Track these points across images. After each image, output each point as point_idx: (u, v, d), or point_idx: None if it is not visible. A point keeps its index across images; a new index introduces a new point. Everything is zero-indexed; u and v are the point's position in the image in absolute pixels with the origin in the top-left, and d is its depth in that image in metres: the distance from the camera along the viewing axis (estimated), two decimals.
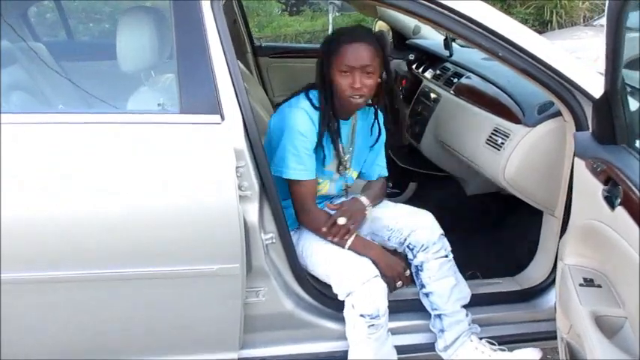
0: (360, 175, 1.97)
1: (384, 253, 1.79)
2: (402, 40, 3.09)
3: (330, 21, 8.98)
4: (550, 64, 1.65)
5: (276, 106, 1.85)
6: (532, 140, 1.81)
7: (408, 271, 1.81)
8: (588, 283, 1.45)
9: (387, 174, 2.01)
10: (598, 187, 1.37)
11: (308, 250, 1.79)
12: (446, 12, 1.62)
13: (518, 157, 1.83)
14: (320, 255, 1.76)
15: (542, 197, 1.87)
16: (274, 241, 1.67)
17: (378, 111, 1.88)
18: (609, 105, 1.39)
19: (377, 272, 1.69)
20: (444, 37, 2.64)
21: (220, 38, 1.54)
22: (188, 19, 1.52)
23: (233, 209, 1.51)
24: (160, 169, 1.48)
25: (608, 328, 1.33)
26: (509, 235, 2.39)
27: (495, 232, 2.45)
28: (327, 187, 1.86)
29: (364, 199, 1.81)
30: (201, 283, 1.58)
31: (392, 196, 2.74)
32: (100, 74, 1.72)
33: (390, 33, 3.15)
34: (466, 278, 1.89)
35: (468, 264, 1.96)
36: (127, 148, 1.48)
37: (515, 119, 1.91)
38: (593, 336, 1.27)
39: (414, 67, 2.86)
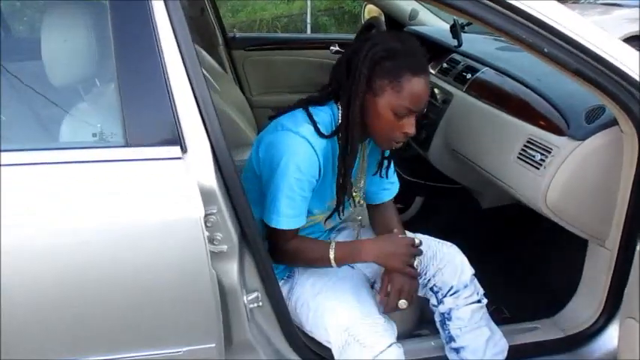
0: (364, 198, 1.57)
1: (376, 244, 1.37)
2: (397, 27, 2.68)
3: (308, 3, 8.51)
4: (612, 63, 1.28)
5: (268, 118, 1.38)
6: (581, 157, 1.44)
7: (416, 241, 1.38)
8: None
9: (397, 190, 1.62)
10: None
11: (303, 306, 1.40)
12: None
13: (564, 178, 1.46)
14: (318, 313, 1.37)
15: (591, 226, 1.51)
16: (260, 303, 1.28)
17: None
18: None
19: (393, 338, 1.31)
20: (450, 24, 2.23)
21: (178, 42, 1.12)
22: (131, 18, 1.10)
23: (203, 273, 1.12)
24: (98, 225, 1.07)
25: None
26: (537, 259, 2.04)
27: (520, 255, 2.09)
28: (321, 218, 1.47)
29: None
30: None
31: (399, 212, 2.36)
32: (21, 88, 1.28)
33: (383, 18, 2.74)
34: (490, 315, 1.53)
35: (490, 296, 1.58)
36: (50, 199, 1.06)
37: (555, 129, 1.53)
38: None
39: None
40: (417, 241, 1.38)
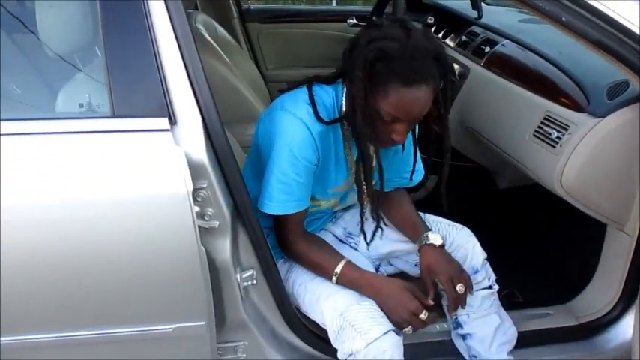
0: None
1: (383, 287, 1.27)
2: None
3: None
4: (634, 32, 1.18)
5: (278, 91, 1.31)
6: (601, 135, 1.34)
7: (424, 315, 1.25)
8: None
9: (421, 177, 1.51)
10: None
11: (300, 287, 1.35)
12: None
13: (581, 157, 1.37)
14: (315, 296, 1.31)
15: (610, 210, 1.42)
16: (255, 281, 1.25)
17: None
18: None
19: (390, 325, 1.24)
20: None
21: (168, 8, 1.07)
22: None
23: (191, 249, 1.08)
24: (83, 199, 1.04)
25: None
26: (553, 242, 1.95)
27: (536, 238, 2.00)
28: (328, 204, 1.41)
29: (432, 238, 1.33)
30: (153, 348, 1.16)
31: (409, 192, 2.29)
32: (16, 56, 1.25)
33: None
34: (502, 299, 1.46)
35: (503, 279, 1.51)
36: (34, 171, 1.03)
37: (574, 106, 1.43)
38: None
39: (432, 31, 2.35)
40: (430, 296, 1.29)
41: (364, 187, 1.27)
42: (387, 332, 1.21)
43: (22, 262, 1.04)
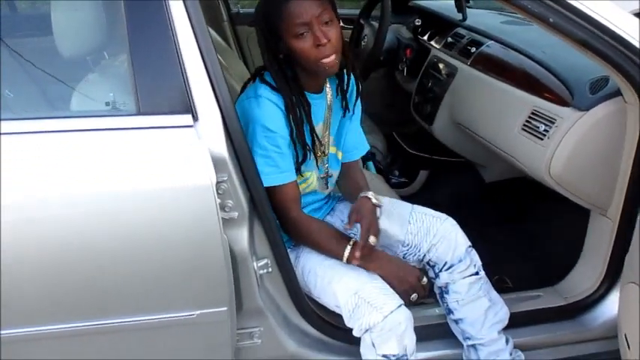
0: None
1: (389, 262, 1.42)
2: (401, 2, 2.67)
3: None
4: (615, 32, 1.29)
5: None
6: (586, 127, 1.45)
7: (424, 279, 1.44)
8: None
9: (369, 148, 1.62)
10: None
11: (310, 273, 1.43)
12: None
13: (568, 148, 1.48)
14: (326, 280, 1.40)
15: (594, 196, 1.53)
16: (270, 269, 1.32)
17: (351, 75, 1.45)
18: None
19: (400, 300, 1.35)
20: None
21: (187, 8, 1.14)
22: None
23: (215, 238, 1.15)
24: (113, 192, 1.10)
25: None
26: (539, 230, 2.06)
27: (523, 227, 2.12)
28: (314, 180, 1.49)
29: (371, 195, 1.40)
30: (176, 334, 1.22)
31: (401, 187, 2.39)
32: (31, 60, 1.30)
33: None
34: (493, 285, 1.56)
35: (493, 266, 1.62)
36: (65, 166, 1.08)
37: (559, 100, 1.54)
38: None
39: (419, 32, 2.45)
40: (424, 280, 1.42)
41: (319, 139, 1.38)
42: (400, 306, 1.31)
43: (54, 253, 1.09)
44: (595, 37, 1.30)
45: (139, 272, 1.15)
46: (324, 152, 1.48)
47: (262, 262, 1.31)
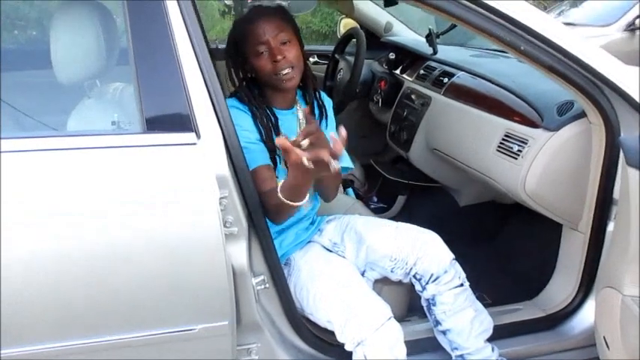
0: None
1: (298, 163, 1.13)
2: (373, 39, 2.81)
3: None
4: (579, 58, 1.42)
5: None
6: (556, 146, 1.57)
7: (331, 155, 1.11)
8: None
9: (352, 166, 1.66)
10: None
11: (302, 289, 1.47)
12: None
13: (540, 165, 1.59)
14: (318, 295, 1.44)
15: (566, 210, 1.64)
16: (267, 285, 1.35)
17: (320, 93, 1.62)
18: None
19: (391, 313, 1.40)
20: (426, 34, 2.38)
21: (189, 34, 1.21)
22: (147, 13, 1.18)
23: (218, 253, 1.18)
24: (119, 207, 1.13)
25: None
26: (514, 248, 2.16)
27: (498, 246, 2.22)
28: None
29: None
30: (178, 349, 1.23)
31: (379, 212, 2.47)
32: (30, 87, 1.33)
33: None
34: None
35: (471, 284, 1.67)
36: (73, 182, 1.11)
37: (530, 123, 1.67)
38: None
39: (393, 65, 2.58)
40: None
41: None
42: (390, 319, 1.36)
43: (51, 264, 1.10)
44: (562, 64, 1.42)
45: (144, 286, 1.17)
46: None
47: (259, 279, 1.35)
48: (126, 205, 1.13)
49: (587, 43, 1.43)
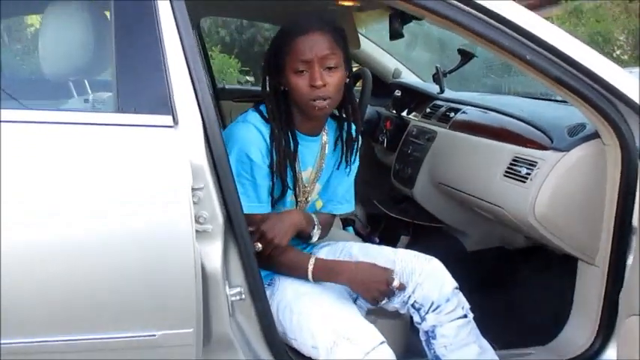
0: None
1: (356, 267, 1.35)
2: (380, 85, 2.79)
3: None
4: (590, 70, 1.33)
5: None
6: (567, 166, 1.46)
7: (396, 281, 1.33)
8: None
9: (353, 209, 1.60)
10: None
11: (286, 308, 1.32)
12: (463, 6, 1.30)
13: (550, 187, 1.47)
14: (304, 315, 1.29)
15: (580, 239, 1.50)
16: (243, 297, 1.21)
17: (352, 126, 1.45)
18: None
19: (382, 337, 1.24)
20: (433, 73, 2.34)
21: (176, 18, 1.15)
22: None
23: (186, 249, 1.06)
24: (82, 189, 1.03)
25: None
26: (523, 294, 1.98)
27: (506, 292, 2.04)
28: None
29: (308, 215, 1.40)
30: (136, 357, 1.08)
31: None
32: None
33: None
34: None
35: (480, 331, 1.51)
36: (35, 160, 1.02)
37: (539, 146, 1.57)
38: None
39: (400, 106, 2.53)
40: (395, 283, 1.34)
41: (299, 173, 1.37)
42: (382, 343, 1.20)
43: (18, 261, 0.99)
44: (571, 76, 1.33)
45: (100, 282, 1.04)
46: (306, 199, 1.45)
47: (235, 290, 1.21)
48: (86, 188, 1.03)
49: (590, 50, 1.35)
